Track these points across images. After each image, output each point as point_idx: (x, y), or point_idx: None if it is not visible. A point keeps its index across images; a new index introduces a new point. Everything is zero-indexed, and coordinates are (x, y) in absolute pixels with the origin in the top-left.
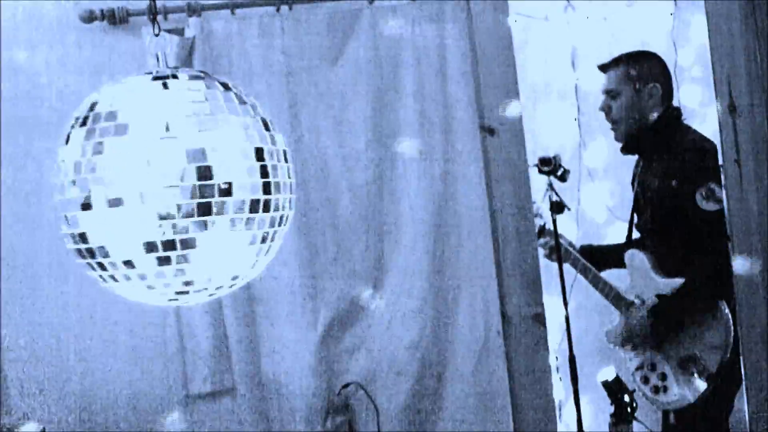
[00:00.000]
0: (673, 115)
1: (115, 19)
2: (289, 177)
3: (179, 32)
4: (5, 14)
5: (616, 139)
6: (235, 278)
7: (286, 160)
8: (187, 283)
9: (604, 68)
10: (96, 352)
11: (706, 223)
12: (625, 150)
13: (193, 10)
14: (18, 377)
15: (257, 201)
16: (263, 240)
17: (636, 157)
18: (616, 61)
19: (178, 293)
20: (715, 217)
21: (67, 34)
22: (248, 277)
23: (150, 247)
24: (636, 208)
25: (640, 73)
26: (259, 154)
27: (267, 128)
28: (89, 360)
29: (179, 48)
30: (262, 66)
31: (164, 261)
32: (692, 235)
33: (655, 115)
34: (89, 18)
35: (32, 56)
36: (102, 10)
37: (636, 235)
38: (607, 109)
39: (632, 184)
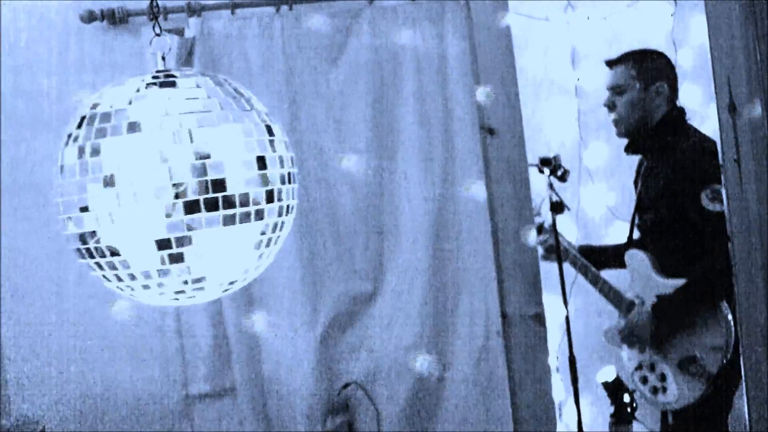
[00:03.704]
0: (678, 115)
1: (115, 19)
2: (292, 166)
3: (179, 32)
4: (5, 14)
5: (618, 136)
6: (246, 271)
7: (287, 149)
8: (188, 281)
9: (610, 64)
10: (96, 352)
11: (709, 223)
12: (629, 150)
13: (193, 10)
14: (18, 377)
15: (261, 194)
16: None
17: (638, 157)
18: (624, 58)
19: (178, 292)
20: (717, 218)
21: (67, 34)
22: (258, 269)
23: (154, 245)
24: (638, 207)
25: (648, 72)
26: (260, 147)
27: (263, 120)
28: (89, 360)
29: (179, 48)
30: (262, 66)
31: (168, 260)
32: (694, 236)
33: (659, 115)
34: (89, 18)
35: (32, 56)
36: (102, 10)
37: (637, 234)
38: (611, 105)
39: (635, 183)
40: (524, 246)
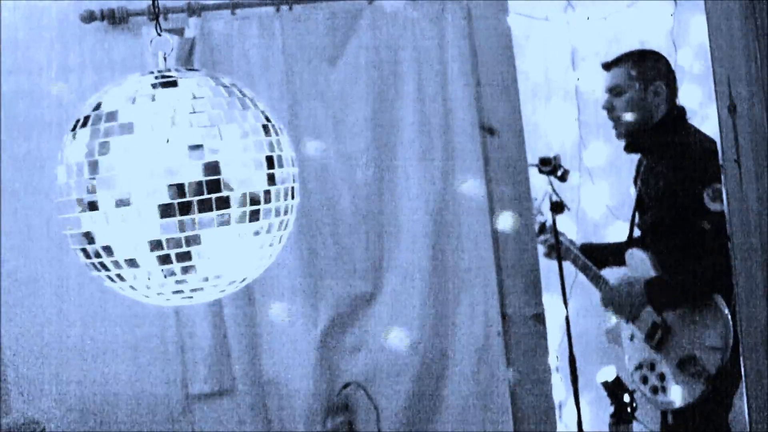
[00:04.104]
0: (678, 114)
1: (115, 19)
2: (293, 166)
3: (179, 32)
4: (5, 14)
5: (618, 137)
6: (247, 271)
7: (288, 150)
8: (208, 278)
9: (607, 66)
10: (96, 352)
11: (710, 222)
12: (629, 149)
13: (193, 10)
14: (18, 377)
15: (261, 193)
16: (269, 231)
17: (638, 156)
18: (621, 60)
19: (192, 291)
20: (717, 217)
21: (67, 34)
22: (260, 269)
23: (155, 245)
24: (638, 206)
25: (645, 72)
26: (261, 146)
27: (264, 119)
28: (89, 360)
29: (179, 48)
30: (262, 66)
31: (169, 259)
32: (694, 235)
33: (659, 115)
34: (89, 18)
35: (32, 56)
36: (102, 10)
37: (637, 233)
38: (610, 107)
39: (635, 182)
40: (524, 246)
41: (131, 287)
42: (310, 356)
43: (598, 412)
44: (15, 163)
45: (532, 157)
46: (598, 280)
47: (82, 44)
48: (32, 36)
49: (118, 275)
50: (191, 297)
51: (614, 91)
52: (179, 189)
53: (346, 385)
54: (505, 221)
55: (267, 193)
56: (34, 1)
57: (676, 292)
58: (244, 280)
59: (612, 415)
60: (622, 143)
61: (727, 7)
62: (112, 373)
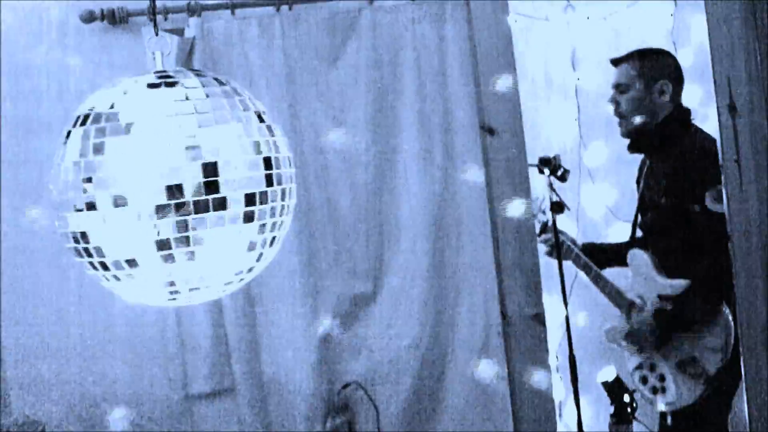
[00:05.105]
0: (682, 115)
1: (115, 19)
2: (290, 166)
3: (179, 32)
4: (5, 14)
5: (623, 135)
6: (240, 272)
7: (285, 151)
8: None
9: (615, 62)
10: (96, 352)
11: (713, 224)
12: (632, 148)
13: (193, 10)
14: (18, 377)
15: (260, 193)
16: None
17: (641, 156)
18: (628, 57)
19: (174, 292)
20: (720, 218)
21: (67, 34)
22: (255, 271)
23: (151, 245)
24: (640, 207)
25: (651, 70)
26: (259, 147)
27: (261, 120)
28: (89, 360)
29: (179, 48)
30: (262, 66)
31: (167, 259)
32: (696, 236)
33: (663, 114)
34: (89, 18)
35: (32, 56)
36: (102, 10)
37: (639, 234)
38: (615, 103)
39: (637, 183)
40: (524, 246)
41: (126, 288)
42: (310, 356)
43: (598, 412)
44: (15, 163)
45: (532, 157)
46: (599, 281)
47: (82, 44)
48: (32, 36)
49: (114, 276)
50: (174, 299)
51: (619, 88)
52: (176, 189)
53: (346, 385)
54: (505, 220)
55: (263, 194)
56: (34, 2)
57: (684, 315)
58: (230, 283)
59: (612, 415)
60: (622, 143)
61: (727, 7)
62: (112, 373)
